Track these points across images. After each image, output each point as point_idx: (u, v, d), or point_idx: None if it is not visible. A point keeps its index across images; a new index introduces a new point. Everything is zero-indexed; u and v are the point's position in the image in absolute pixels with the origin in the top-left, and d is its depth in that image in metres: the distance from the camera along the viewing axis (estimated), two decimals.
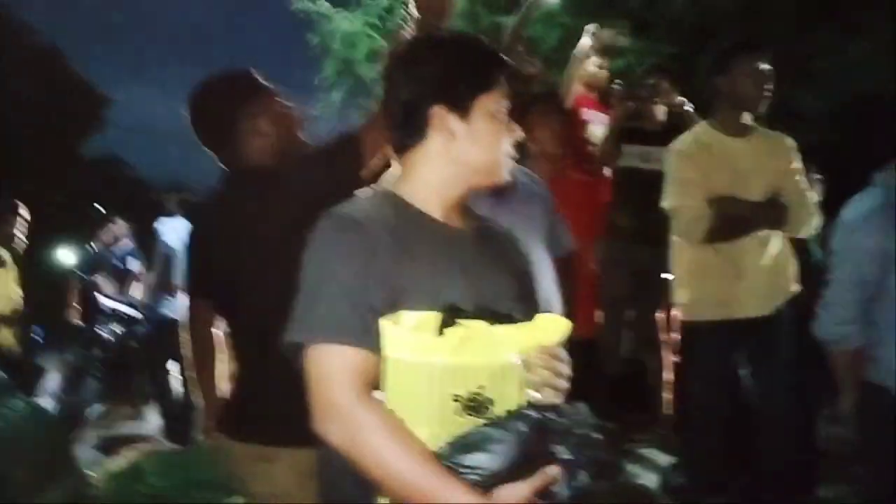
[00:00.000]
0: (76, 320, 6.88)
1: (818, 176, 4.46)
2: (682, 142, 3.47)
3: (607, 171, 4.49)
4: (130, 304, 6.60)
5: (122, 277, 7.02)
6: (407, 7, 2.23)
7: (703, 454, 3.51)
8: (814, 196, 3.54)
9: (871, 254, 2.50)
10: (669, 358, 4.31)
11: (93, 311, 6.55)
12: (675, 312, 3.93)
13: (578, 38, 4.73)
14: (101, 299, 6.48)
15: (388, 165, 1.65)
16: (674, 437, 4.27)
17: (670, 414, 4.36)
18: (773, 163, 3.37)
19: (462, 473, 1.26)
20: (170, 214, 6.36)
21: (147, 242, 6.63)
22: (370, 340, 1.35)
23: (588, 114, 4.67)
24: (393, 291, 1.39)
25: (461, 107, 1.51)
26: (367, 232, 1.41)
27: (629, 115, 4.36)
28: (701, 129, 3.48)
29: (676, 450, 4.13)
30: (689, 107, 4.25)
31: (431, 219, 1.53)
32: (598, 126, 4.56)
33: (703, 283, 3.37)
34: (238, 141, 2.24)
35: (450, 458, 1.27)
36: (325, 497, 1.54)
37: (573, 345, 2.96)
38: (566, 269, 3.03)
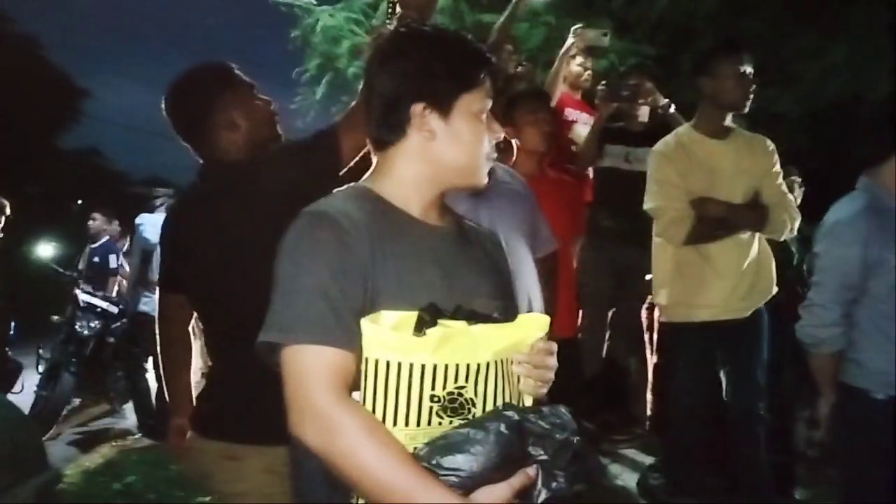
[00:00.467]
0: (54, 315, 6.82)
1: (797, 178, 4.49)
2: (665, 143, 3.48)
3: (589, 172, 4.50)
4: (108, 300, 6.55)
5: (103, 274, 6.97)
6: (391, 2, 2.22)
7: (681, 455, 3.53)
8: (793, 198, 3.56)
9: (854, 257, 2.51)
10: (650, 359, 4.32)
11: (71, 307, 6.48)
12: (656, 313, 3.94)
13: (562, 38, 4.73)
14: (80, 294, 6.41)
15: (367, 162, 1.62)
16: (653, 438, 4.29)
17: (650, 414, 4.38)
18: (753, 165, 3.38)
19: (441, 475, 1.24)
20: (151, 210, 6.31)
21: (127, 237, 6.59)
22: (348, 340, 1.33)
23: (572, 114, 4.68)
24: (370, 289, 1.37)
25: (442, 105, 1.48)
26: (344, 229, 1.39)
27: (612, 116, 4.36)
28: (683, 131, 3.49)
29: (656, 450, 4.15)
30: (672, 108, 4.26)
31: (409, 216, 1.51)
32: (582, 126, 4.57)
33: (684, 285, 3.38)
34: (213, 134, 2.22)
35: (429, 460, 1.26)
36: (299, 497, 1.52)
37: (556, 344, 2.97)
38: (548, 269, 3.03)
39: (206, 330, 2.33)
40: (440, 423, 1.30)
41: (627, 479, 4.06)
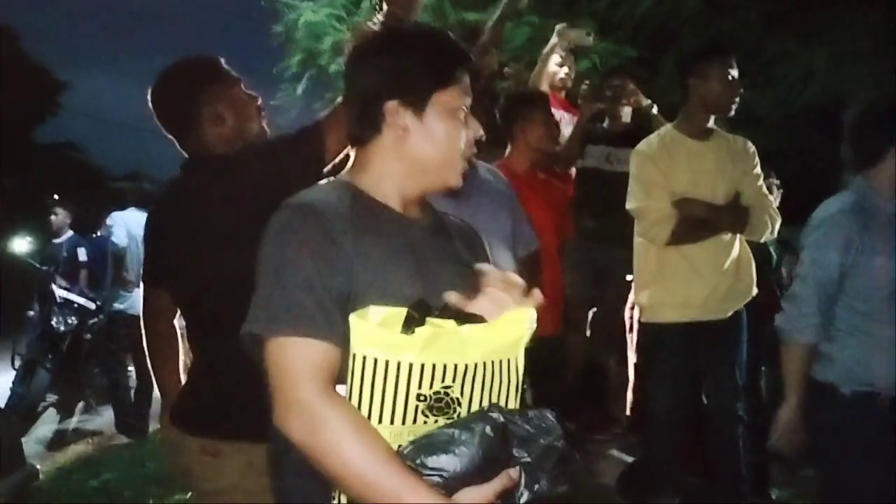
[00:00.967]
0: (30, 311, 6.75)
1: (776, 181, 4.53)
2: (647, 143, 3.49)
3: (571, 171, 4.51)
4: (85, 296, 6.48)
5: (73, 268, 6.90)
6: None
7: (660, 455, 3.55)
8: (772, 200, 3.59)
9: (835, 254, 2.54)
10: (631, 359, 4.35)
11: (47, 302, 6.41)
12: (636, 313, 3.97)
13: (546, 38, 4.75)
14: (56, 290, 6.34)
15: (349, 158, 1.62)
16: (633, 438, 4.32)
17: (630, 414, 4.40)
18: (734, 166, 3.41)
19: (425, 475, 1.24)
20: (122, 207, 6.26)
21: (95, 234, 6.53)
22: (332, 332, 1.32)
23: (555, 113, 4.70)
24: (353, 281, 1.37)
25: (416, 103, 1.48)
26: (328, 220, 1.38)
27: (595, 116, 4.38)
28: (665, 132, 3.51)
29: (635, 450, 4.17)
30: (654, 109, 4.28)
31: (389, 210, 1.51)
32: (564, 126, 4.58)
33: (665, 285, 3.40)
34: (198, 127, 2.21)
35: (413, 459, 1.25)
36: (278, 493, 1.50)
37: (538, 342, 2.98)
38: (530, 268, 3.04)
39: (188, 325, 2.32)
40: (426, 422, 1.30)
41: (607, 478, 4.07)
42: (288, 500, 1.47)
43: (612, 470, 4.13)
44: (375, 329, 1.28)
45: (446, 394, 1.30)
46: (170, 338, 2.40)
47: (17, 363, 6.36)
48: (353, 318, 1.29)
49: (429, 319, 1.30)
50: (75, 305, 6.35)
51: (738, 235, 3.40)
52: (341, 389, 1.32)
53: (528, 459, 1.28)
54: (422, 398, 1.28)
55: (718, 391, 3.42)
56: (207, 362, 2.17)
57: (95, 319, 6.39)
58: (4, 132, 15.25)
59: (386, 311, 1.30)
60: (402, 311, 1.29)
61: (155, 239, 2.36)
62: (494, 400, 1.35)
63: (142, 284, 2.45)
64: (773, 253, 4.48)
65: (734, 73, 3.34)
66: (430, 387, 1.29)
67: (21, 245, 9.13)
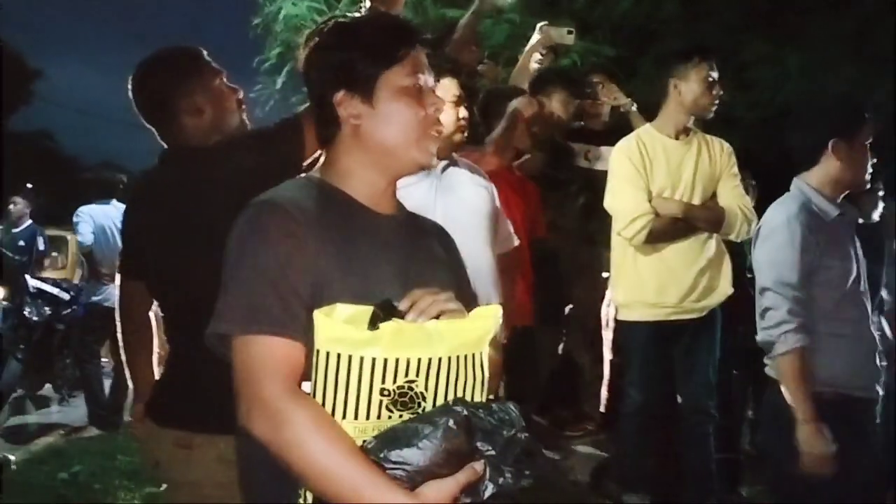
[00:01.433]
0: (2, 301, 6.67)
1: (752, 181, 4.58)
2: (626, 142, 3.52)
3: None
4: (59, 286, 6.42)
5: (31, 257, 6.84)
6: None
7: (633, 452, 3.58)
8: (749, 200, 3.63)
9: (791, 259, 2.55)
10: (607, 356, 4.38)
11: (19, 292, 6.34)
12: (611, 310, 4.00)
13: (526, 36, 4.76)
14: (29, 280, 6.28)
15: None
16: (606, 434, 4.35)
17: (604, 411, 4.43)
18: (711, 166, 3.45)
19: (388, 469, 1.24)
20: (89, 201, 6.17)
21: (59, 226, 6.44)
22: (297, 331, 1.32)
23: None
24: (320, 279, 1.37)
25: (362, 88, 1.47)
26: (293, 219, 1.38)
27: (574, 114, 4.40)
28: (644, 131, 3.54)
29: (608, 446, 4.20)
30: (634, 107, 4.30)
31: (360, 205, 1.50)
32: None
33: (641, 284, 3.43)
34: (177, 118, 2.21)
35: (376, 453, 1.25)
36: (245, 489, 1.51)
37: (513, 333, 2.98)
38: (508, 265, 3.05)
39: (164, 317, 2.31)
40: (390, 417, 1.30)
41: (579, 475, 4.10)
42: (255, 497, 1.47)
43: (585, 466, 4.16)
44: (340, 325, 1.28)
45: (410, 388, 1.30)
46: (144, 330, 2.40)
47: None
48: (318, 315, 1.29)
49: (395, 319, 1.30)
50: (48, 295, 6.29)
51: (715, 235, 3.44)
52: (307, 386, 1.32)
53: (493, 452, 1.28)
54: (385, 393, 1.28)
55: (692, 389, 3.47)
56: (182, 354, 2.16)
57: (69, 310, 6.34)
58: None
59: (352, 309, 1.30)
60: (367, 310, 1.29)
61: (131, 230, 2.35)
62: (459, 395, 1.35)
63: (117, 275, 2.44)
64: (748, 252, 4.52)
65: (714, 75, 3.38)
66: (394, 381, 1.29)
67: None
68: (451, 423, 1.26)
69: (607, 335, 4.36)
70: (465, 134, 2.80)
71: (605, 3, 6.11)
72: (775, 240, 2.62)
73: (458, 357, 1.35)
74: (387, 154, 1.51)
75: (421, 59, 1.52)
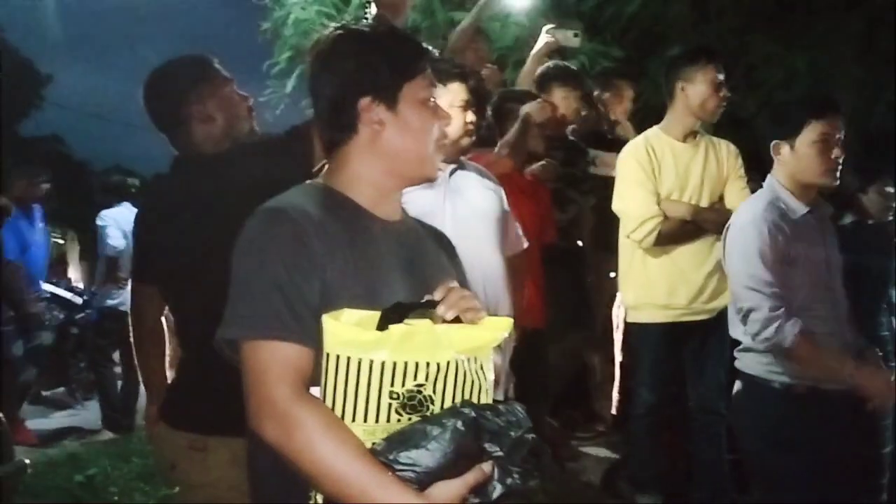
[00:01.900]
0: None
1: (761, 183, 4.58)
2: (634, 145, 3.53)
3: None
4: (73, 291, 6.46)
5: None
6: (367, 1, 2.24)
7: (644, 453, 3.59)
8: None
9: (762, 253, 2.59)
10: (618, 357, 4.38)
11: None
12: (623, 312, 4.01)
13: (533, 38, 4.77)
14: (43, 285, 6.31)
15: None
16: (617, 436, 4.35)
17: (615, 413, 4.44)
18: (719, 168, 3.46)
19: (397, 470, 1.26)
20: (109, 204, 6.19)
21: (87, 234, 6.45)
22: (304, 336, 1.34)
23: None
24: (327, 285, 1.39)
25: (388, 96, 1.51)
26: (300, 225, 1.40)
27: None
28: (651, 133, 3.55)
29: (619, 448, 4.21)
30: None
31: (366, 212, 1.53)
32: None
33: (649, 286, 3.44)
34: (189, 125, 2.25)
35: (385, 455, 1.27)
36: (256, 491, 1.53)
37: (524, 336, 2.99)
38: (517, 267, 3.07)
39: (176, 321, 2.34)
40: (399, 420, 1.32)
41: (591, 476, 4.11)
42: (266, 499, 1.50)
43: (596, 467, 4.17)
44: (348, 328, 1.30)
45: (419, 392, 1.32)
46: (157, 334, 2.43)
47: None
48: (326, 319, 1.31)
49: (406, 321, 1.32)
50: (61, 300, 6.32)
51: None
52: (316, 391, 1.34)
53: (500, 453, 1.30)
54: (394, 396, 1.31)
55: (702, 390, 3.47)
56: (195, 358, 2.18)
57: (82, 314, 6.36)
58: None
59: (360, 314, 1.32)
60: (376, 316, 1.31)
61: (144, 235, 2.38)
62: (467, 398, 1.37)
63: (131, 281, 2.47)
64: None
65: (721, 77, 3.39)
66: (403, 385, 1.31)
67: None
68: (459, 424, 1.28)
69: (618, 337, 4.37)
70: (473, 138, 2.81)
71: (613, 5, 6.11)
72: (744, 238, 2.67)
73: (464, 361, 1.37)
74: (402, 162, 1.54)
75: (431, 73, 1.57)
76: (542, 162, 3.82)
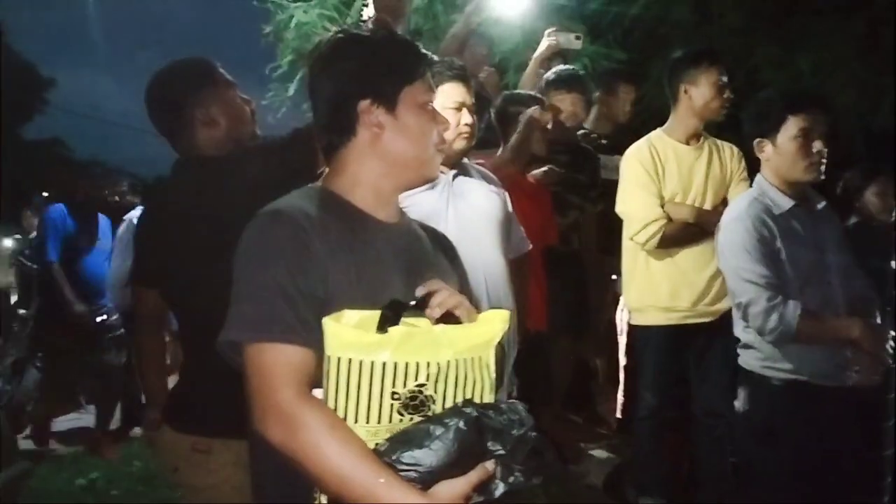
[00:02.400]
0: (21, 309, 6.71)
1: None
2: (637, 148, 3.53)
3: None
4: None
5: None
6: (364, 4, 2.25)
7: (648, 456, 3.58)
8: None
9: (748, 246, 2.64)
10: (622, 360, 4.38)
11: (37, 300, 6.35)
12: (626, 316, 4.00)
13: (536, 41, 4.77)
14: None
15: None
16: (620, 438, 4.35)
17: (620, 415, 4.44)
18: (722, 171, 3.46)
19: (401, 470, 1.27)
20: (132, 207, 6.16)
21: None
22: (307, 337, 1.35)
23: None
24: (329, 287, 1.39)
25: (387, 99, 1.52)
26: (301, 227, 1.41)
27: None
28: (655, 136, 3.55)
29: (623, 450, 4.20)
30: None
31: (366, 214, 1.53)
32: None
33: (653, 288, 3.44)
34: (191, 129, 2.25)
35: (389, 455, 1.28)
36: (259, 493, 1.53)
37: (527, 339, 2.99)
38: (520, 270, 3.07)
39: (179, 324, 2.35)
40: (401, 420, 1.32)
41: (593, 478, 4.10)
42: (269, 502, 1.50)
43: (600, 470, 4.16)
44: (349, 331, 1.31)
45: (420, 392, 1.33)
46: (158, 338, 2.44)
47: (7, 361, 6.32)
48: (327, 322, 1.32)
49: (404, 319, 1.33)
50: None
51: None
52: (318, 393, 1.35)
53: (503, 452, 1.31)
54: (396, 396, 1.31)
55: (706, 393, 3.46)
56: (198, 361, 2.19)
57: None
58: None
59: (361, 314, 1.33)
60: (375, 315, 1.32)
61: (146, 239, 2.38)
62: (468, 397, 1.38)
63: (132, 285, 2.48)
64: None
65: (724, 79, 3.39)
66: (405, 385, 1.31)
67: (9, 242, 9.09)
68: (461, 423, 1.28)
69: (622, 340, 4.37)
70: (470, 140, 2.80)
71: (616, 8, 6.11)
72: (731, 235, 2.73)
73: (465, 360, 1.38)
74: (401, 165, 1.55)
75: (430, 78, 1.58)
76: (545, 167, 3.83)
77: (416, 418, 1.33)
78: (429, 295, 1.40)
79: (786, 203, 2.72)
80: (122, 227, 5.77)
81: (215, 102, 2.25)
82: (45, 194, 10.02)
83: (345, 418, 1.31)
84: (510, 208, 2.99)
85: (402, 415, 1.32)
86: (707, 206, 3.39)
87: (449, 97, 2.69)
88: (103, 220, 5.62)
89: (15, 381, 6.10)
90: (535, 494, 1.26)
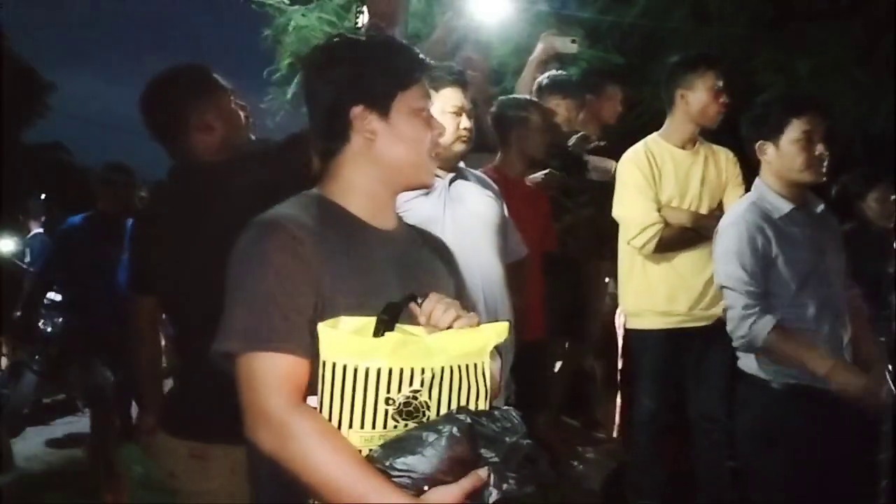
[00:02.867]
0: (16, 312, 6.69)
1: None
2: (634, 152, 3.53)
3: None
4: None
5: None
6: (359, 11, 2.25)
7: (645, 460, 3.58)
8: None
9: (743, 253, 2.65)
10: (621, 365, 4.38)
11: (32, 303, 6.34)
12: (622, 320, 4.00)
13: (533, 45, 4.77)
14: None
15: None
16: (619, 442, 4.35)
17: (619, 420, 4.44)
18: (718, 175, 3.47)
19: (394, 476, 1.27)
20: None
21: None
22: (299, 346, 1.35)
23: None
24: (323, 295, 1.40)
25: (381, 105, 1.52)
26: (294, 236, 1.41)
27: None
28: (651, 140, 3.55)
29: (620, 454, 4.20)
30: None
31: (361, 221, 1.53)
32: None
33: (649, 292, 3.44)
34: (187, 135, 2.25)
35: (382, 461, 1.29)
36: (257, 499, 1.54)
37: (525, 345, 3.00)
38: (517, 275, 3.07)
39: (175, 330, 2.35)
40: (396, 426, 1.33)
41: (592, 482, 4.10)
42: None
43: (598, 474, 4.16)
44: (344, 336, 1.31)
45: (415, 398, 1.33)
46: (153, 343, 2.44)
47: (4, 364, 6.31)
48: (322, 328, 1.32)
49: (398, 326, 1.33)
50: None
51: None
52: (313, 400, 1.35)
53: (496, 459, 1.31)
54: (391, 402, 1.31)
55: (703, 397, 3.46)
56: (195, 366, 2.18)
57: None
58: None
59: (357, 321, 1.33)
60: (372, 322, 1.32)
61: (142, 245, 2.38)
62: (463, 404, 1.38)
63: (127, 291, 2.48)
64: None
65: (721, 83, 3.39)
66: (399, 391, 1.32)
67: (7, 245, 9.05)
68: (454, 430, 1.29)
69: (620, 344, 4.37)
70: (468, 145, 2.81)
71: (614, 12, 6.11)
72: (725, 239, 2.75)
73: (460, 367, 1.38)
74: (396, 171, 1.54)
75: (426, 84, 1.58)
76: (545, 171, 3.83)
77: (411, 424, 1.33)
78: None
79: (785, 206, 2.73)
80: None
81: (210, 109, 2.26)
82: (43, 196, 10.00)
83: (339, 424, 1.31)
84: (507, 213, 2.99)
85: (396, 421, 1.32)
86: (703, 210, 3.39)
87: (448, 101, 2.70)
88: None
89: (12, 385, 6.09)
90: (533, 499, 1.25)
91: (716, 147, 3.55)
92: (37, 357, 6.14)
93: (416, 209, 2.29)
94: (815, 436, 2.58)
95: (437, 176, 1.62)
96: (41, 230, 7.01)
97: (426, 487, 1.28)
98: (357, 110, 1.51)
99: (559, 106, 4.23)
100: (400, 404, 1.32)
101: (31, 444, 5.97)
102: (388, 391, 1.31)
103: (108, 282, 4.42)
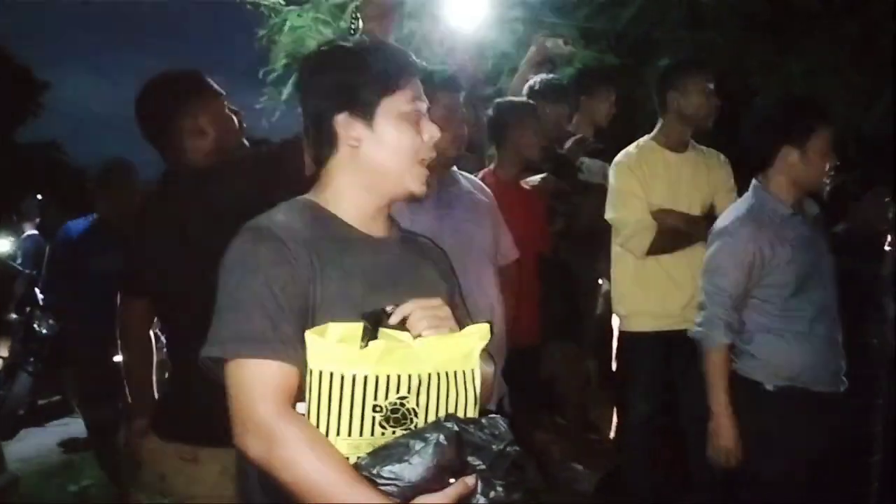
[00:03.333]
0: (11, 313, 6.68)
1: None
2: (626, 154, 3.54)
3: None
4: None
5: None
6: (354, 16, 2.25)
7: (639, 462, 3.58)
8: None
9: (737, 259, 2.67)
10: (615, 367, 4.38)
11: (29, 305, 6.34)
12: (615, 322, 4.00)
13: (528, 46, 4.78)
14: (38, 293, 6.29)
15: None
16: (612, 444, 4.35)
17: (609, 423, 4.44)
18: (709, 178, 3.48)
19: (380, 484, 1.27)
20: None
21: None
22: (288, 353, 1.35)
23: None
24: (312, 302, 1.40)
25: (364, 112, 1.51)
26: (284, 243, 1.41)
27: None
28: (644, 143, 3.56)
29: (614, 457, 4.20)
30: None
31: (352, 228, 1.53)
32: None
33: (642, 295, 3.45)
34: (180, 139, 2.25)
35: (369, 469, 1.28)
36: (246, 503, 1.53)
37: (518, 352, 3.00)
38: (509, 278, 3.07)
39: (167, 333, 2.35)
40: (383, 434, 1.33)
41: (584, 484, 4.10)
42: None
43: (589, 477, 4.16)
44: (331, 344, 1.31)
45: (402, 405, 1.33)
46: (145, 347, 2.44)
47: None
48: (310, 335, 1.32)
49: (384, 331, 1.33)
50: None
51: None
52: (301, 408, 1.35)
53: (483, 466, 1.31)
54: (378, 409, 1.31)
55: (694, 399, 3.45)
56: (186, 370, 2.18)
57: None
58: None
59: (343, 327, 1.33)
60: (359, 327, 1.32)
61: (135, 248, 2.38)
62: (451, 411, 1.38)
63: (119, 294, 2.47)
64: None
65: (711, 86, 3.40)
66: (386, 398, 1.32)
67: (2, 246, 9.05)
68: (441, 438, 1.28)
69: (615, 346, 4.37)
70: (461, 149, 2.80)
71: (609, 13, 6.11)
72: (719, 243, 2.75)
73: (447, 373, 1.38)
74: (382, 178, 1.54)
75: (419, 86, 1.56)
76: (542, 175, 3.83)
77: (399, 432, 1.33)
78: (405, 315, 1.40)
79: (785, 210, 2.72)
80: None
81: (204, 113, 2.26)
82: (39, 197, 10.00)
83: (327, 431, 1.31)
84: (498, 215, 2.99)
85: (384, 428, 1.33)
86: (695, 212, 3.40)
87: (440, 105, 2.70)
88: None
89: (6, 387, 6.08)
90: (526, 501, 1.26)
91: (707, 149, 3.57)
92: (31, 358, 6.13)
93: (408, 214, 2.29)
94: (808, 438, 2.59)
95: (427, 185, 1.60)
96: (35, 231, 6.99)
97: (413, 495, 1.28)
98: (341, 118, 1.51)
99: (548, 111, 4.23)
100: (388, 411, 1.32)
101: (25, 446, 5.96)
102: (376, 398, 1.31)
103: (107, 288, 4.39)
